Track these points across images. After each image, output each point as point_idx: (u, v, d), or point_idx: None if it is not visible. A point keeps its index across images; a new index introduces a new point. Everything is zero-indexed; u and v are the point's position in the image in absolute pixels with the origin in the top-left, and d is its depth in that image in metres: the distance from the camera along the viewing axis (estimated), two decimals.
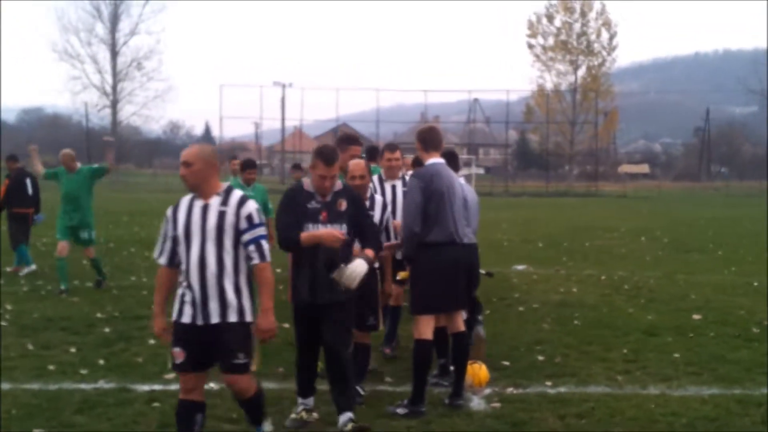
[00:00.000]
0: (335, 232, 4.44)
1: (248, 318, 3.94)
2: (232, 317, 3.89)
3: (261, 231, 3.92)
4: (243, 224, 3.88)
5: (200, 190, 3.95)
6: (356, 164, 5.16)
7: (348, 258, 4.51)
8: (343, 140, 5.91)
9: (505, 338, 7.16)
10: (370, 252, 4.60)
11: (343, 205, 4.55)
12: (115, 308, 8.45)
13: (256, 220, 3.91)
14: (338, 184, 4.63)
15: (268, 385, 5.65)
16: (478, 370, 5.59)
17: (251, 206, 3.92)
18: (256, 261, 3.90)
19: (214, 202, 3.92)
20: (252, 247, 3.89)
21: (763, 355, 6.59)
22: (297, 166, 12.33)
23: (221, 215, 3.88)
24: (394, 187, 6.38)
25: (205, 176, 3.93)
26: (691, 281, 11.03)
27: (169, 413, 4.95)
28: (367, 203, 5.24)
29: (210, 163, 3.94)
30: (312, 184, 4.60)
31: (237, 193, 3.97)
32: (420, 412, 4.96)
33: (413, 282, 5.19)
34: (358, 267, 4.42)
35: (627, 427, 4.81)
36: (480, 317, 6.39)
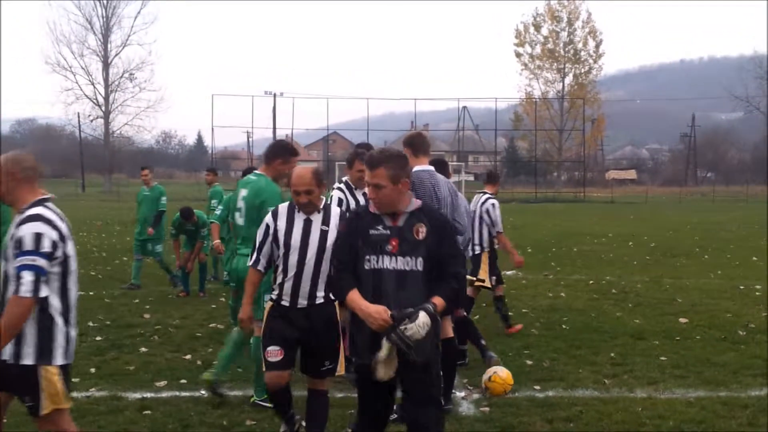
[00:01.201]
0: (384, 315, 3.32)
1: (29, 360, 3.25)
2: (27, 359, 3.25)
3: (26, 260, 3.17)
4: (14, 249, 3.23)
5: (12, 206, 3.41)
6: (300, 176, 4.11)
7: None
8: (284, 151, 5.41)
9: (494, 343, 7.19)
10: (438, 301, 3.37)
11: (422, 232, 3.42)
12: (106, 317, 8.45)
13: (27, 245, 3.18)
14: (415, 203, 3.51)
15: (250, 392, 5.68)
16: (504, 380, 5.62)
17: (25, 229, 3.22)
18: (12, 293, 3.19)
19: (15, 221, 3.34)
20: (15, 278, 3.21)
21: (749, 357, 6.68)
22: (211, 170, 11.83)
23: (11, 238, 3.29)
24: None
25: (8, 189, 3.36)
26: (678, 285, 11.14)
27: (160, 421, 4.98)
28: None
29: (11, 173, 3.34)
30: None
31: (27, 213, 3.30)
32: None
33: None
34: (419, 328, 3.26)
35: (614, 430, 4.87)
36: (483, 342, 6.40)
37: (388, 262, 3.40)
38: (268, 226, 4.21)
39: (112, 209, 32.68)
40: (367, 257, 3.42)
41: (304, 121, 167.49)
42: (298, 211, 4.15)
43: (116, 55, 61.67)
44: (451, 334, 5.38)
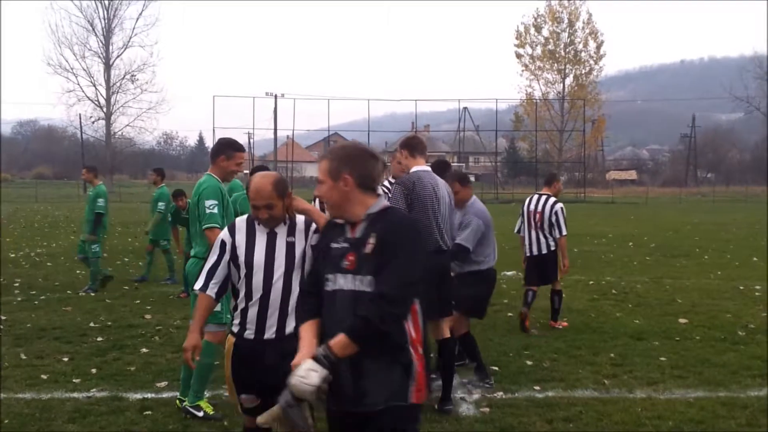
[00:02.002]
0: (299, 375, 2.64)
1: None
2: None
3: None
4: None
5: None
6: (258, 189, 3.41)
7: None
8: (225, 147, 5.29)
9: (494, 344, 7.23)
10: (336, 341, 2.64)
11: (370, 243, 2.75)
12: (108, 317, 8.48)
13: None
14: (380, 203, 2.84)
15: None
16: None
17: None
18: None
19: None
20: None
21: (748, 358, 6.69)
22: (157, 170, 11.57)
23: None
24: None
25: None
26: (678, 286, 11.16)
27: (161, 421, 5.00)
28: None
29: None
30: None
31: None
32: None
33: None
34: (300, 380, 2.61)
35: (614, 431, 4.88)
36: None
37: (344, 282, 2.76)
38: (223, 243, 3.54)
39: (113, 210, 32.68)
40: (326, 276, 2.82)
41: (305, 122, 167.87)
42: (259, 224, 3.50)
43: (118, 56, 61.98)
44: (447, 334, 5.40)
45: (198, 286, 3.59)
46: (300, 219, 3.56)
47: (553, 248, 8.09)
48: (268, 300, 3.43)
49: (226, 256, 3.51)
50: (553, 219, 8.05)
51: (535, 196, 8.30)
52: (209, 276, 3.56)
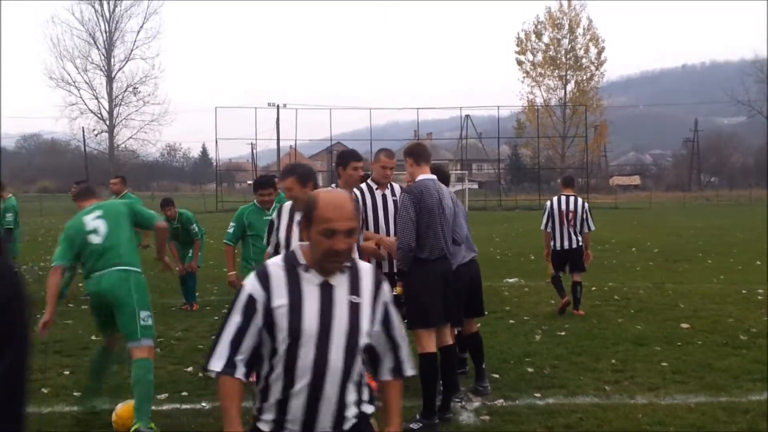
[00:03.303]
0: None
1: None
2: None
3: None
4: None
5: None
6: (339, 206, 2.38)
7: None
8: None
9: (496, 351, 7.21)
10: None
11: None
12: None
13: None
14: None
15: None
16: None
17: None
18: None
19: None
20: None
21: (750, 362, 6.67)
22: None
23: None
24: (384, 197, 6.38)
25: None
26: (680, 291, 11.13)
27: None
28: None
29: None
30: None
31: None
32: (434, 425, 5.02)
33: (409, 297, 5.26)
34: None
35: None
36: (483, 366, 6.08)
37: None
38: (252, 300, 2.40)
39: None
40: None
41: (307, 132, 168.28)
42: (308, 270, 2.40)
43: (119, 69, 62.22)
44: (450, 341, 5.40)
45: (217, 366, 2.40)
46: (366, 269, 2.53)
47: (580, 243, 9.14)
48: (322, 386, 2.37)
49: (257, 320, 2.39)
50: (584, 216, 9.12)
51: (563, 197, 9.18)
52: (233, 349, 2.40)
